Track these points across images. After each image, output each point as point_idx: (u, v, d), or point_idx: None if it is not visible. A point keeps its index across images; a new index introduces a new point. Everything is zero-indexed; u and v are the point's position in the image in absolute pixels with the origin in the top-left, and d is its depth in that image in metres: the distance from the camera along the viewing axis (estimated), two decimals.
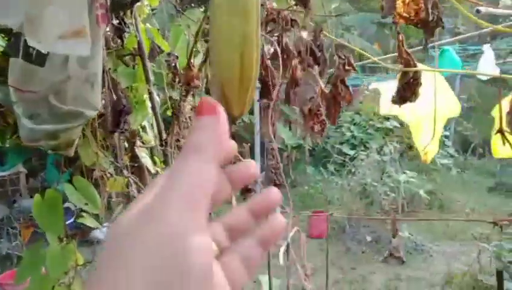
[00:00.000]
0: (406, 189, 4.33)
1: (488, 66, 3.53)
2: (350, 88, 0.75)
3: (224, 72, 0.47)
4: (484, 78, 3.40)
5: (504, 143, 0.60)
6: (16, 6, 0.65)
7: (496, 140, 0.68)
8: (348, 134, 5.55)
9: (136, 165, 1.76)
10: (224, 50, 0.46)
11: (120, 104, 0.84)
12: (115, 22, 1.30)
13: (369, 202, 4.42)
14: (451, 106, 0.71)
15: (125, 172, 1.61)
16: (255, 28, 0.47)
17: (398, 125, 4.97)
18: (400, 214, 4.21)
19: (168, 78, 1.56)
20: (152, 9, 1.78)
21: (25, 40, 0.71)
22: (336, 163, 5.45)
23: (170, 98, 1.65)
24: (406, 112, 0.75)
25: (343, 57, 0.70)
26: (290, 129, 6.11)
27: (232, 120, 0.50)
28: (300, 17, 0.85)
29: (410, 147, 5.15)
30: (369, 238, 4.12)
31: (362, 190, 4.39)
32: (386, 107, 0.79)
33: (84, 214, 1.50)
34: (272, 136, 0.74)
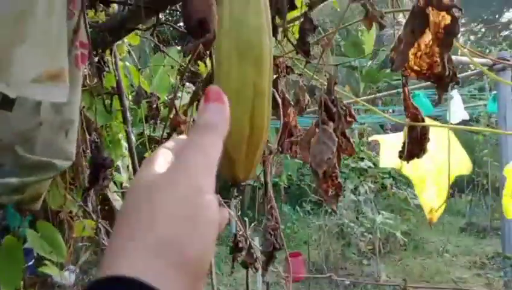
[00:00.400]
0: (381, 230, 4.31)
1: (458, 110, 3.68)
2: (351, 140, 0.70)
3: (231, 131, 0.41)
4: (454, 121, 3.51)
5: None
6: None
7: (508, 201, 0.64)
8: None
9: (106, 208, 1.63)
10: (232, 105, 0.40)
11: (100, 158, 0.74)
12: (95, 60, 1.23)
13: (346, 243, 4.35)
14: (461, 162, 0.68)
15: (94, 216, 1.48)
16: (267, 80, 0.41)
17: (372, 166, 5.03)
18: (378, 255, 4.15)
19: (143, 114, 1.49)
20: (131, 48, 1.73)
21: None
22: (312, 202, 5.40)
23: (144, 135, 1.56)
24: (408, 166, 0.71)
25: (344, 108, 0.66)
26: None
27: (235, 183, 0.43)
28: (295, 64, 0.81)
29: (384, 187, 5.20)
30: (347, 282, 4.02)
31: (339, 231, 4.33)
32: (386, 160, 0.76)
33: (46, 262, 1.36)
34: (272, 194, 0.67)
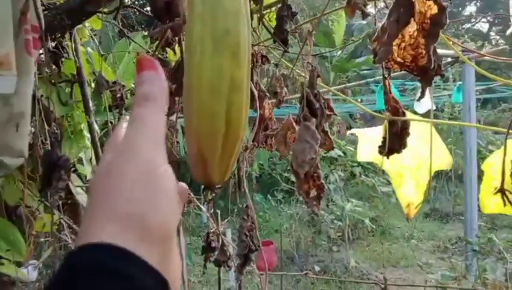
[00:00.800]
0: (350, 217, 4.40)
1: (424, 100, 3.77)
2: (329, 133, 0.67)
3: (204, 129, 0.36)
4: (420, 111, 3.60)
5: (505, 204, 0.54)
6: None
7: (485, 196, 0.64)
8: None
9: (69, 202, 1.54)
10: (206, 99, 0.35)
11: (54, 156, 0.67)
12: (51, 45, 1.13)
13: (317, 231, 4.42)
14: (441, 157, 0.66)
15: (56, 211, 1.39)
16: (245, 71, 0.37)
17: (342, 154, 5.10)
18: (347, 242, 4.25)
19: (107, 103, 1.40)
20: (93, 33, 1.61)
21: None
22: (284, 191, 5.43)
23: (111, 123, 1.48)
24: (385, 160, 0.69)
25: (323, 101, 0.62)
26: None
27: (209, 187, 0.39)
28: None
29: (353, 175, 5.31)
30: (317, 268, 4.09)
31: (310, 219, 4.38)
32: (364, 154, 0.74)
33: (3, 261, 1.27)
34: (247, 190, 0.63)
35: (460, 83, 3.80)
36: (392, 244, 4.81)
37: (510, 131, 0.54)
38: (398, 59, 0.55)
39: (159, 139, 0.29)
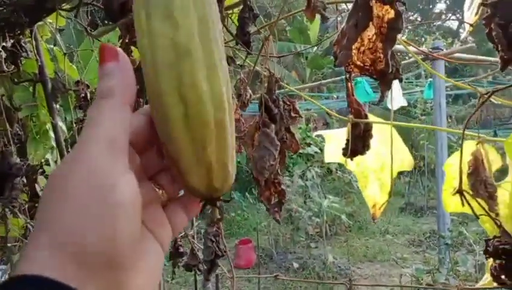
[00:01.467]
0: (327, 213, 4.46)
1: (396, 96, 3.85)
2: (296, 136, 0.67)
3: (160, 116, 0.28)
4: (393, 108, 3.67)
5: (463, 204, 0.55)
6: None
7: (447, 195, 0.65)
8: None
9: (36, 205, 1.49)
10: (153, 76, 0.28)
11: (5, 165, 0.63)
12: (8, 43, 1.08)
13: (295, 227, 4.45)
14: (403, 158, 0.67)
15: (21, 216, 1.34)
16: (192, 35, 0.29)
17: (319, 151, 5.15)
18: (324, 238, 4.30)
19: (72, 103, 1.35)
20: (60, 30, 1.56)
21: None
22: None
23: (77, 121, 1.43)
24: (351, 162, 0.69)
25: (288, 103, 0.62)
26: None
27: (211, 198, 0.31)
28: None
29: (330, 171, 5.37)
30: (296, 265, 4.12)
31: (288, 216, 4.41)
32: (330, 156, 0.74)
33: None
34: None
35: (431, 79, 3.89)
36: (369, 239, 4.91)
37: (466, 133, 0.55)
38: (358, 62, 0.55)
39: (115, 142, 0.25)
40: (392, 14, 0.50)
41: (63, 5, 1.04)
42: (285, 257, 4.40)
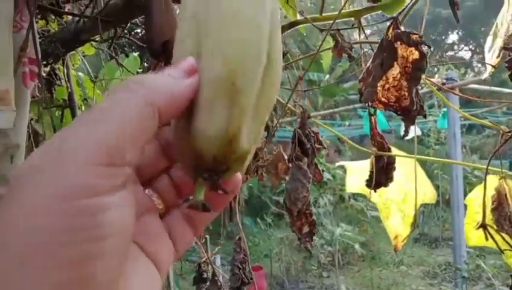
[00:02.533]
0: (340, 241, 4.39)
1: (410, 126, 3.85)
2: (319, 166, 0.69)
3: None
4: (408, 137, 3.66)
5: (487, 238, 0.57)
6: None
7: (469, 229, 0.66)
8: (284, 185, 5.58)
9: None
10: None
11: None
12: (44, 72, 1.15)
13: (307, 255, 4.38)
14: (426, 191, 0.69)
15: None
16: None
17: (331, 178, 5.13)
18: (337, 267, 4.22)
19: None
20: (84, 55, 1.64)
21: None
22: (273, 214, 5.40)
23: None
24: (374, 193, 0.71)
25: (313, 134, 0.65)
26: None
27: (226, 159, 0.24)
28: None
29: (342, 199, 5.33)
30: None
31: (300, 244, 4.35)
32: (353, 186, 0.76)
33: None
34: (240, 222, 0.64)
35: (445, 109, 3.90)
36: (382, 269, 4.79)
37: (489, 168, 0.57)
38: (383, 99, 0.58)
39: (114, 146, 0.18)
40: (416, 55, 0.54)
41: (96, 36, 1.11)
42: (297, 286, 4.31)
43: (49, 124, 1.44)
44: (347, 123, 7.30)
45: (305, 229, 0.53)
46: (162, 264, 0.24)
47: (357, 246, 4.31)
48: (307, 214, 0.53)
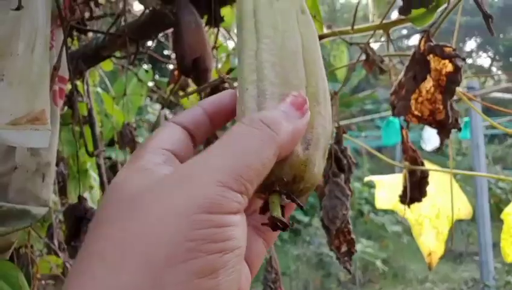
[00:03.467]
0: (360, 258, 4.29)
1: (431, 137, 3.78)
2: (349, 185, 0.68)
3: None
4: (427, 149, 3.59)
5: None
6: None
7: (507, 244, 0.63)
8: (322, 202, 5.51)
9: (73, 244, 1.53)
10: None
11: (80, 210, 0.68)
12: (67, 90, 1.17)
13: (326, 273, 4.29)
14: (460, 207, 0.67)
15: (62, 254, 1.38)
16: None
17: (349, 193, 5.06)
18: (358, 285, 4.11)
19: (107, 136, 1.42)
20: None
21: None
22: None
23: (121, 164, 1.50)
24: (404, 208, 0.69)
25: (348, 150, 0.63)
26: None
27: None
28: None
29: (362, 213, 5.23)
30: None
31: (318, 261, 4.27)
32: (382, 202, 0.74)
33: None
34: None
35: (467, 119, 3.82)
36: (406, 287, 4.65)
37: None
38: (416, 112, 0.57)
39: (243, 171, 0.21)
40: (450, 68, 0.53)
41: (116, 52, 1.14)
42: None
43: (67, 141, 1.46)
44: (363, 134, 7.22)
45: (344, 248, 0.52)
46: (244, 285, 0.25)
47: (378, 262, 4.20)
48: (345, 232, 0.52)
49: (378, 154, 0.85)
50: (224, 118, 0.28)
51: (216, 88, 0.64)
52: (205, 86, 0.54)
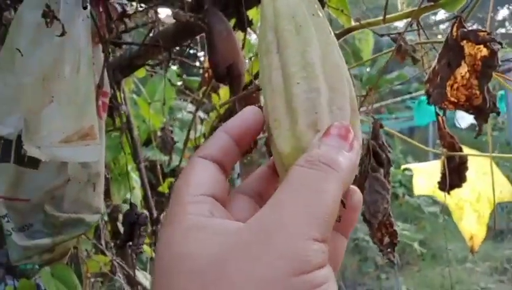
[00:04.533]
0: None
1: (465, 114, 3.65)
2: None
3: None
4: (462, 126, 3.48)
5: None
6: (13, 113, 0.55)
7: None
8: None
9: (117, 242, 1.61)
10: None
11: (133, 216, 0.73)
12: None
13: (363, 258, 4.27)
14: (502, 189, 0.66)
15: (109, 253, 1.45)
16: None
17: None
18: (396, 268, 4.07)
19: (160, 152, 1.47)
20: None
21: (17, 141, 0.62)
22: None
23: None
24: (443, 194, 0.69)
25: (386, 144, 0.63)
26: None
27: None
28: None
29: (396, 196, 5.14)
30: None
31: (354, 246, 4.26)
32: (420, 189, 0.75)
33: None
34: None
35: (502, 92, 3.65)
36: (445, 268, 4.56)
37: None
38: (452, 99, 0.56)
39: (327, 218, 0.20)
40: (485, 52, 0.52)
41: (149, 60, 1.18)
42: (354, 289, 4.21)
43: (107, 146, 1.52)
44: (394, 116, 7.04)
45: (386, 240, 0.53)
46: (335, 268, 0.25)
47: (415, 244, 4.14)
48: (387, 225, 0.53)
49: (409, 139, 0.85)
50: (250, 140, 0.26)
51: (246, 88, 0.66)
52: (243, 94, 0.56)
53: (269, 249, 0.18)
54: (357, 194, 0.27)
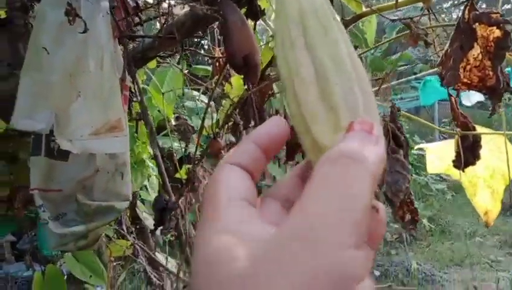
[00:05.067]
0: None
1: (471, 91, 3.63)
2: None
3: None
4: (468, 103, 3.47)
5: None
6: (45, 108, 0.58)
7: None
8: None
9: (137, 227, 1.66)
10: None
11: (162, 202, 0.76)
12: None
13: None
14: None
15: (130, 237, 1.51)
16: None
17: None
18: (405, 244, 4.13)
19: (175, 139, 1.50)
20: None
21: (47, 135, 0.65)
22: None
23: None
24: (456, 171, 0.71)
25: (399, 126, 0.65)
26: (279, 166, 6.02)
27: None
28: None
29: None
30: (377, 273, 4.01)
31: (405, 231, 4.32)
32: (434, 167, 0.77)
33: (88, 286, 1.38)
34: None
35: (508, 68, 3.61)
36: (454, 242, 4.62)
37: None
38: (465, 80, 0.58)
39: (355, 217, 0.18)
40: (498, 33, 0.53)
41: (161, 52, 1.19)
42: None
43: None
44: (399, 96, 7.00)
45: (408, 217, 0.56)
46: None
47: (424, 220, 4.19)
48: (408, 203, 0.55)
49: (419, 118, 0.86)
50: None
51: (262, 79, 0.68)
52: (260, 87, 0.58)
53: (306, 258, 0.17)
54: (382, 207, 0.25)
